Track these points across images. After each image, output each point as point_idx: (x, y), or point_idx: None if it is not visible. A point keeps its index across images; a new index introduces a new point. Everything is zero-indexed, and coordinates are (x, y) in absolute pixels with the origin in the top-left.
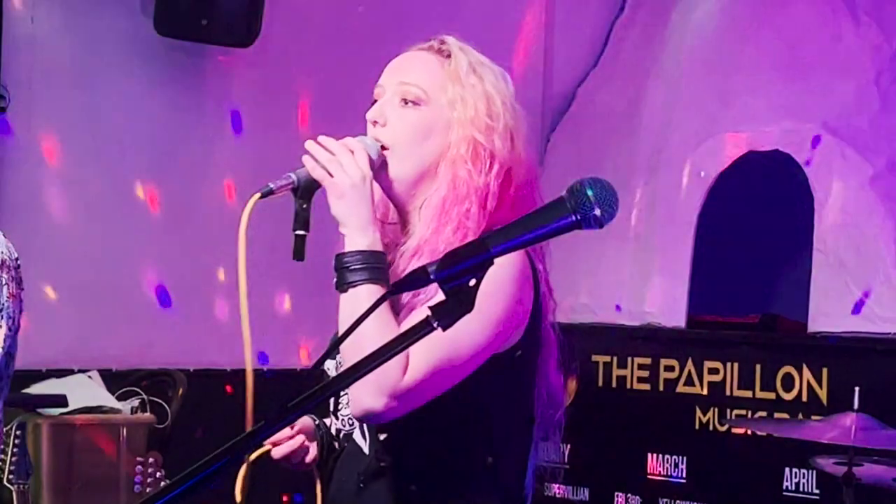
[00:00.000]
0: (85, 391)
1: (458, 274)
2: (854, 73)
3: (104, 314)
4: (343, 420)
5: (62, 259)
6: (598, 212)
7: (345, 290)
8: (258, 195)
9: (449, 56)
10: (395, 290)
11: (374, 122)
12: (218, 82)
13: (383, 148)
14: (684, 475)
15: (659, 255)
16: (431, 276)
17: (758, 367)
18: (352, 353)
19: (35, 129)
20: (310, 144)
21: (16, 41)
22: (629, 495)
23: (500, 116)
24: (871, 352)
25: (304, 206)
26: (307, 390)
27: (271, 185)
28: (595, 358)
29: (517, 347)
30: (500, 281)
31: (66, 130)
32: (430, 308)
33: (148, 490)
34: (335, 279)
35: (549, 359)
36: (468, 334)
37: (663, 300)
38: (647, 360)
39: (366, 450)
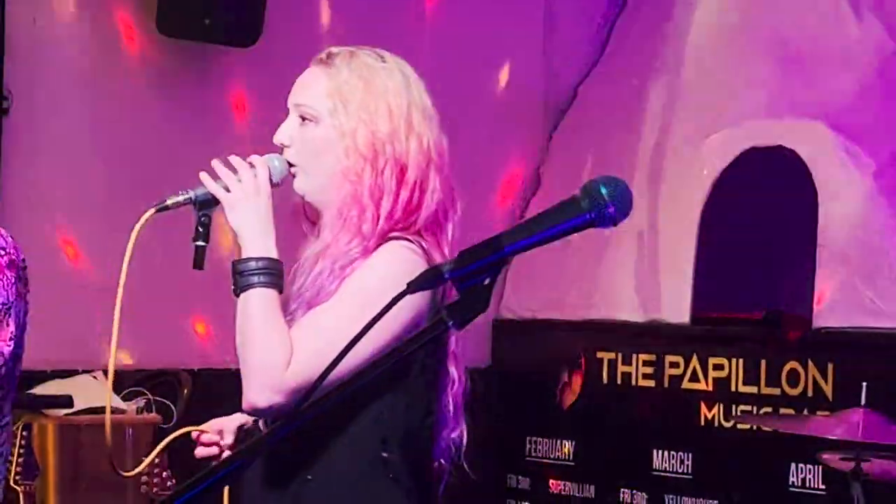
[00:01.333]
0: (90, 392)
1: (473, 273)
2: (857, 67)
3: (108, 314)
4: None
5: (66, 259)
6: (612, 210)
7: (238, 295)
8: (153, 210)
9: (333, 68)
10: (410, 290)
11: (281, 145)
12: (220, 82)
13: (292, 165)
14: (690, 471)
15: (663, 251)
16: (446, 275)
17: (763, 362)
18: (241, 350)
19: (38, 130)
20: (214, 163)
21: (18, 43)
22: (634, 491)
23: (385, 117)
24: (876, 347)
25: (205, 219)
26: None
27: (167, 202)
28: (600, 354)
29: (416, 340)
30: (374, 264)
31: (69, 132)
32: (445, 307)
33: (154, 490)
34: (231, 285)
35: (447, 352)
36: (341, 316)
37: (668, 296)
38: (652, 357)
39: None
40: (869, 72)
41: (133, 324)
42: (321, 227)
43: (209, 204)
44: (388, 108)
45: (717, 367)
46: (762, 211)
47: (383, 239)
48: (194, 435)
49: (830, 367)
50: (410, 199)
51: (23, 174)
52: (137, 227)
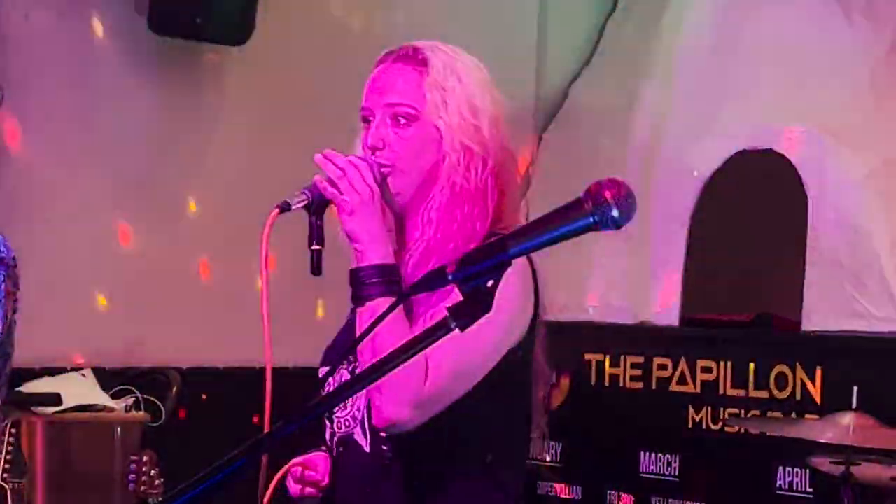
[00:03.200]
0: (79, 389)
1: (477, 275)
2: (847, 72)
3: (97, 312)
4: (339, 422)
5: (56, 257)
6: (616, 213)
7: (362, 304)
8: (277, 211)
9: (425, 63)
10: (413, 292)
11: (373, 148)
12: (212, 80)
13: (384, 167)
14: (677, 473)
15: (652, 253)
16: (450, 278)
17: (751, 365)
18: (371, 360)
19: (29, 126)
20: (319, 160)
21: (10, 39)
22: (622, 493)
23: (484, 112)
24: (865, 351)
25: (318, 221)
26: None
27: (290, 202)
28: (588, 356)
29: (519, 347)
30: (512, 282)
31: (60, 128)
32: (448, 309)
33: (143, 489)
34: (351, 294)
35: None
36: (484, 337)
37: (656, 298)
38: (640, 359)
39: (367, 448)
40: (859, 76)
41: (125, 321)
42: (408, 228)
43: (323, 205)
44: (484, 102)
45: (706, 369)
46: (752, 214)
47: (487, 236)
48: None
49: (819, 370)
50: (509, 199)
51: (14, 170)
52: (267, 228)
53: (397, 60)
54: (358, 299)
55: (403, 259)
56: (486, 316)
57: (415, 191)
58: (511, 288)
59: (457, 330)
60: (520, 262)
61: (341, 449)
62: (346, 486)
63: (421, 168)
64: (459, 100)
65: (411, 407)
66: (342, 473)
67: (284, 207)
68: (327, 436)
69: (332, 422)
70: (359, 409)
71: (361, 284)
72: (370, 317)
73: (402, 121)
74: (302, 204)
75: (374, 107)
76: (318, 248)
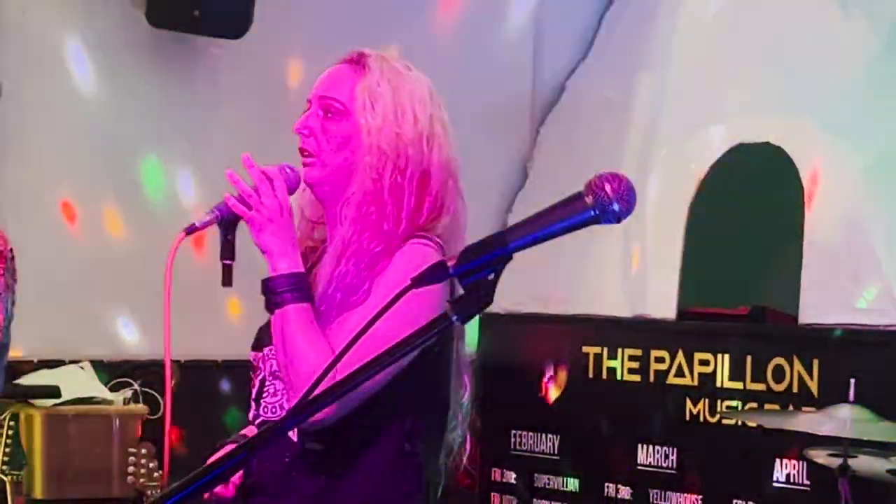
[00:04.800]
0: (77, 382)
1: (477, 268)
2: (845, 64)
3: (95, 305)
4: (266, 407)
5: (55, 250)
6: (616, 207)
7: (272, 311)
8: (184, 233)
9: (365, 67)
10: (415, 285)
11: (300, 133)
12: (209, 73)
13: (308, 155)
14: (675, 466)
15: (649, 246)
16: (451, 270)
17: (748, 358)
18: (287, 365)
19: (27, 120)
20: (230, 176)
21: (7, 32)
22: (619, 486)
23: (411, 122)
24: (862, 344)
25: (229, 236)
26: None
27: (195, 223)
28: (585, 349)
29: (436, 343)
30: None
31: (57, 122)
32: (449, 302)
33: (141, 480)
34: (264, 301)
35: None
36: (397, 332)
37: (654, 291)
38: (638, 352)
39: (293, 437)
40: (857, 69)
41: (123, 314)
42: (335, 221)
43: (234, 221)
44: (414, 115)
45: (703, 362)
46: (749, 207)
47: (405, 240)
48: None
49: (816, 363)
50: (434, 205)
51: (13, 165)
52: (172, 252)
53: (344, 61)
54: (271, 306)
55: (328, 251)
56: (373, 300)
57: (335, 183)
58: (398, 272)
59: (352, 318)
60: (415, 247)
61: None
62: (265, 474)
63: (340, 164)
64: (387, 106)
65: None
66: (262, 461)
67: (190, 230)
68: (250, 416)
69: (258, 405)
70: (288, 399)
71: (273, 293)
72: (281, 322)
73: (331, 114)
74: (213, 223)
75: (312, 98)
76: (228, 262)
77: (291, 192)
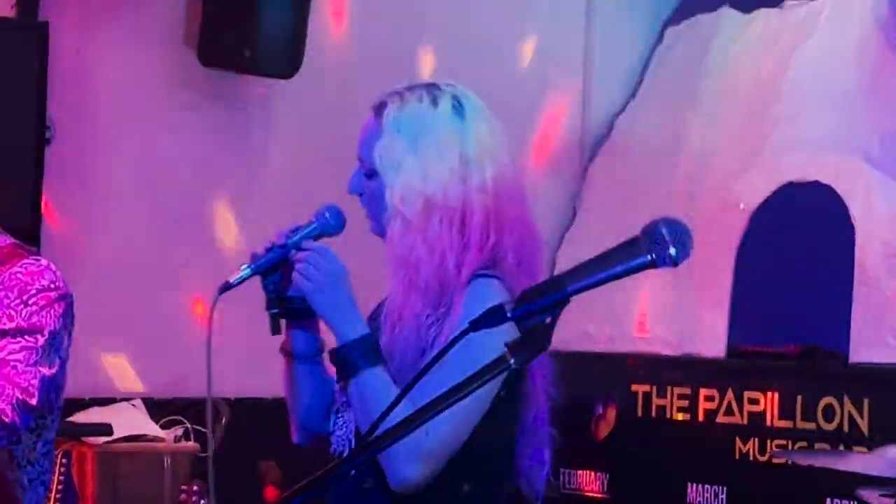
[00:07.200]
0: (129, 419)
1: (535, 312)
2: (891, 101)
3: (147, 342)
4: (337, 441)
5: (107, 289)
6: (672, 251)
7: (348, 380)
8: (218, 294)
9: (382, 123)
10: (473, 328)
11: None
12: (260, 113)
13: (367, 214)
14: None
15: (699, 284)
16: (508, 314)
17: (798, 397)
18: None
19: (81, 161)
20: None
21: (62, 74)
22: None
23: (436, 167)
24: None
25: (271, 286)
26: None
27: (230, 281)
28: (634, 388)
29: (501, 389)
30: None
31: (111, 162)
32: (507, 345)
33: None
34: (336, 373)
35: (535, 388)
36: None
37: (703, 330)
38: (687, 390)
39: (352, 472)
40: None
41: (174, 352)
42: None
43: (272, 271)
44: (439, 157)
45: (753, 401)
46: (799, 245)
47: (470, 277)
48: None
49: (866, 402)
50: (482, 237)
51: (66, 205)
52: (210, 312)
53: (372, 110)
54: (345, 377)
55: (388, 312)
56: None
57: (387, 238)
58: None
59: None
60: (476, 288)
61: None
62: None
63: (384, 218)
64: (410, 163)
65: (419, 462)
66: (331, 492)
67: (224, 288)
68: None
69: (330, 443)
70: (351, 432)
71: (344, 362)
72: (360, 390)
73: (367, 175)
74: (243, 281)
75: (358, 154)
76: (275, 311)
77: (334, 233)
